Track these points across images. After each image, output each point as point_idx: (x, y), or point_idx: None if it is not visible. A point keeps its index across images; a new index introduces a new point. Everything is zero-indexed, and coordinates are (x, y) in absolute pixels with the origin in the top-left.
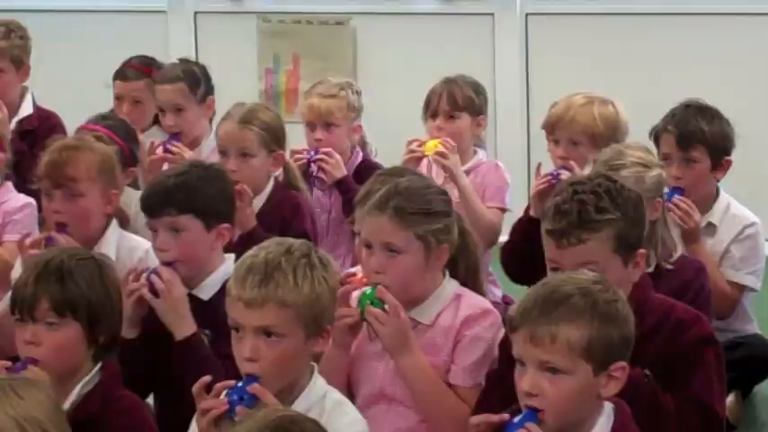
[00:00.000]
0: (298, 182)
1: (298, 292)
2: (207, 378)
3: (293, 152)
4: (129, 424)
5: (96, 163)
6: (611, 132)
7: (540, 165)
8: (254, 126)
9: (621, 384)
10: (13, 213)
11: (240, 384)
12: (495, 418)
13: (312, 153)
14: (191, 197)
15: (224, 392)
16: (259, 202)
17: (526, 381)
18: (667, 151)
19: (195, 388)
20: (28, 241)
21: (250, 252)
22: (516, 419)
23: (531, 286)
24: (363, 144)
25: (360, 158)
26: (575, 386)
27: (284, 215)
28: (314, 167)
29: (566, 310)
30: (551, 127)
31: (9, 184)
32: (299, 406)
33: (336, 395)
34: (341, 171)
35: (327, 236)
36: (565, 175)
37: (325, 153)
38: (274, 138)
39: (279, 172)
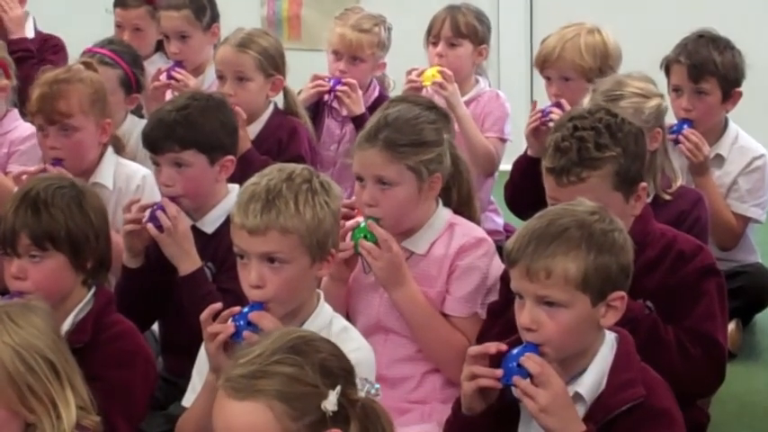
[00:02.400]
0: (297, 108)
1: (300, 218)
2: (217, 305)
3: (315, 77)
4: (121, 350)
5: (88, 95)
6: (600, 62)
7: (536, 102)
8: (250, 50)
9: (620, 314)
10: (18, 143)
11: (246, 310)
12: (492, 348)
13: (335, 82)
14: (193, 132)
15: (230, 318)
16: (257, 126)
17: (525, 315)
18: (678, 83)
19: (203, 316)
20: (25, 177)
21: (252, 180)
22: (515, 351)
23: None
24: (382, 78)
25: (377, 93)
26: (573, 318)
27: (281, 138)
28: (329, 96)
29: (561, 243)
30: (541, 65)
31: (15, 112)
32: None
33: (342, 321)
34: (360, 108)
35: (335, 166)
36: (556, 112)
37: (349, 85)
38: (272, 63)
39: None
